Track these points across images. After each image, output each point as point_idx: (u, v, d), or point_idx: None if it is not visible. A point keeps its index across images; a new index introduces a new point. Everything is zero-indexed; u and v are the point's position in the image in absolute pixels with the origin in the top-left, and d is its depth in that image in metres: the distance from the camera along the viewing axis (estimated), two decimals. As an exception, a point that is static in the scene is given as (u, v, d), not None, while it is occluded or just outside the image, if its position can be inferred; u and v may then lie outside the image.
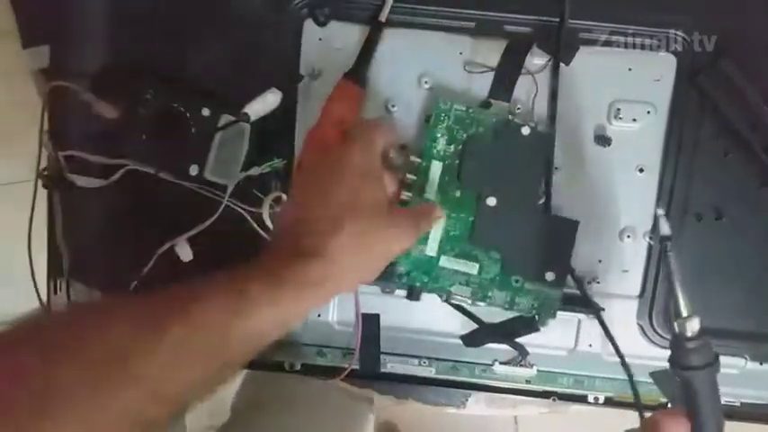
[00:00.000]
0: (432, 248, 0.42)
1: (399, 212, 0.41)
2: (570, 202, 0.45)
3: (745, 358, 0.46)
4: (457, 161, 0.43)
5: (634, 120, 0.44)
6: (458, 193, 0.43)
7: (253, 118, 0.43)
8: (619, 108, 0.44)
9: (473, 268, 0.42)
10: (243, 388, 0.69)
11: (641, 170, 0.45)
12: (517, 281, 0.43)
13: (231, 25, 0.46)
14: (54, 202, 0.47)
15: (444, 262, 0.43)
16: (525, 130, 0.42)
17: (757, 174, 0.44)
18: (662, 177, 0.45)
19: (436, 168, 0.43)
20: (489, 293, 0.43)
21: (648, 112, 0.44)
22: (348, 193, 0.36)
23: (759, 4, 0.45)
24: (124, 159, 0.45)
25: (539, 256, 0.42)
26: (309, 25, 0.46)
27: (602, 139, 0.44)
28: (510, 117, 0.44)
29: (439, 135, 0.43)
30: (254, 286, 0.32)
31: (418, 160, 0.43)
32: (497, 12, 0.45)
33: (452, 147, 0.43)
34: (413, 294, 0.43)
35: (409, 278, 0.43)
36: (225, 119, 0.44)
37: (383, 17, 0.44)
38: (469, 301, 0.43)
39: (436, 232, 0.42)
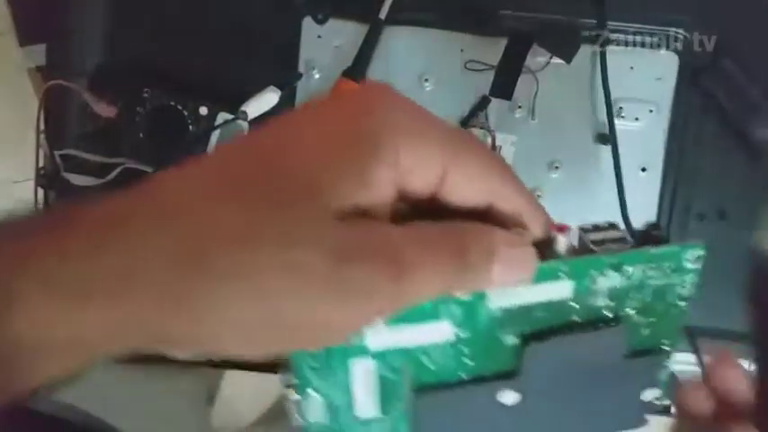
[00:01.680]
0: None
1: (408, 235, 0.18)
2: (571, 201, 0.44)
3: (749, 361, 0.45)
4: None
5: (636, 119, 0.44)
6: (504, 339, 0.23)
7: (251, 116, 0.42)
8: (621, 107, 0.44)
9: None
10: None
11: (644, 169, 0.44)
12: None
13: (229, 23, 0.46)
14: (50, 201, 0.46)
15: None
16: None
17: (761, 173, 0.44)
18: (664, 177, 0.44)
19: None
20: None
21: (651, 111, 0.44)
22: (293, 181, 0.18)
23: (761, 1, 0.44)
24: (121, 158, 0.44)
25: None
26: (308, 23, 0.45)
27: (603, 138, 0.44)
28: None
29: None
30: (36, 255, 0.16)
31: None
32: (498, 9, 0.44)
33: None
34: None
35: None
36: (222, 117, 0.43)
37: (383, 15, 0.44)
38: None
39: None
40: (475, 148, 0.20)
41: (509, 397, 0.24)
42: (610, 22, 0.44)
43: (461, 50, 0.44)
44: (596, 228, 0.23)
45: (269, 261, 0.17)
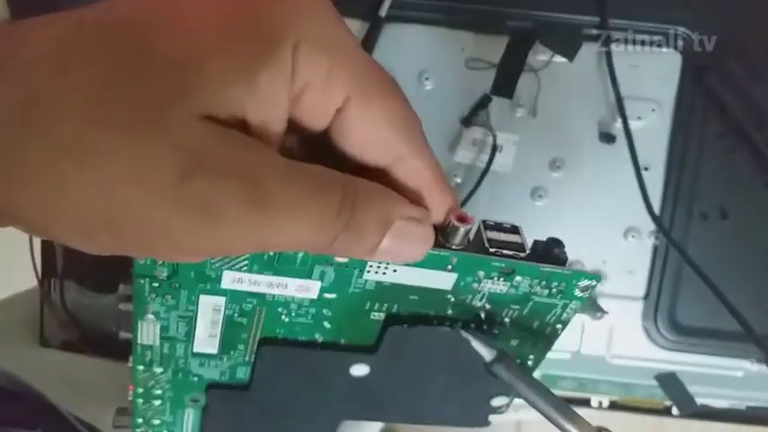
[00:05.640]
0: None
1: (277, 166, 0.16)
2: (573, 200, 0.44)
3: (751, 361, 0.45)
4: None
5: (639, 117, 0.44)
6: (370, 313, 0.23)
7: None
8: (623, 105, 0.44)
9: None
10: None
11: (646, 168, 0.44)
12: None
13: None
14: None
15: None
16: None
17: (763, 173, 0.44)
18: (667, 176, 0.44)
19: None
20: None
21: (653, 110, 0.44)
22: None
23: (765, 1, 0.44)
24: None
25: None
26: (308, 21, 0.45)
27: (607, 137, 0.44)
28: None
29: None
30: None
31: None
32: (499, 6, 0.44)
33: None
34: None
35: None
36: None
37: (383, 12, 0.43)
38: None
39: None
40: (391, 92, 0.17)
41: (360, 370, 0.24)
42: (612, 20, 0.43)
43: (462, 49, 0.44)
44: (498, 227, 0.22)
45: (111, 146, 0.14)
